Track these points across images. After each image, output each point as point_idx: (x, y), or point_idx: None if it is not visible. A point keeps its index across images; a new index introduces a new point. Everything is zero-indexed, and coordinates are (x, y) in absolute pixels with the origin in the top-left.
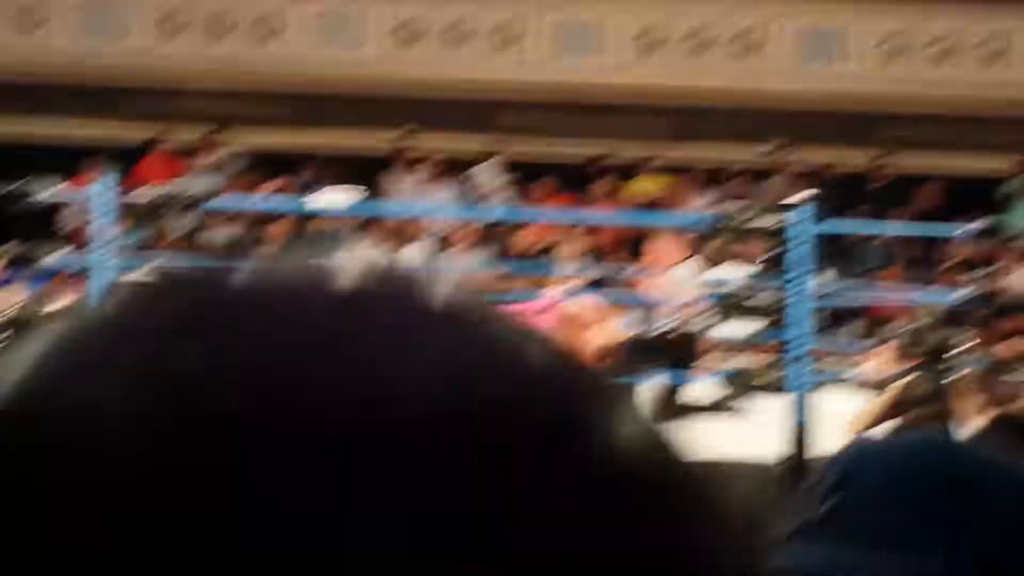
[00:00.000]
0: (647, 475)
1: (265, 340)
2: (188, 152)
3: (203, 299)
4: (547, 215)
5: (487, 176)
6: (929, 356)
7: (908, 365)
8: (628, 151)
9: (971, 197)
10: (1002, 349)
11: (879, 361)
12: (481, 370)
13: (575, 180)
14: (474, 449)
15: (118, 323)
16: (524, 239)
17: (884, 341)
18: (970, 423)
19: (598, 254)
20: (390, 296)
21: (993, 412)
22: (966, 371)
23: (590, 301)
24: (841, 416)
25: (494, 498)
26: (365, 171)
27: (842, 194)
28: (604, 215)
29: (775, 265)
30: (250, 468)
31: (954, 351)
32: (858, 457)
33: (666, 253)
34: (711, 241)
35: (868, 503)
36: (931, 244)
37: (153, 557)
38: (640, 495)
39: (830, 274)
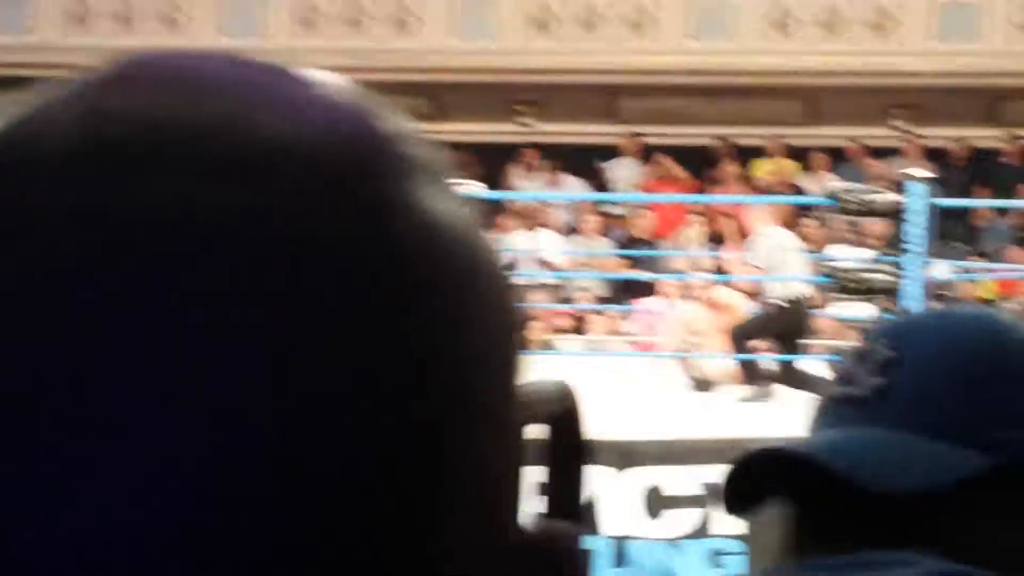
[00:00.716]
0: (443, 246)
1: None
2: None
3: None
4: (673, 198)
5: (624, 171)
6: None
7: None
8: (755, 134)
9: None
10: None
11: None
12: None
13: (701, 163)
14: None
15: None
16: (649, 224)
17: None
18: None
19: (719, 238)
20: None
21: None
22: None
23: (727, 287)
24: None
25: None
26: (491, 159)
27: (970, 172)
28: (730, 198)
29: (892, 245)
30: None
31: None
32: (909, 331)
33: (756, 219)
34: (827, 221)
35: (920, 386)
36: None
37: None
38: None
39: (950, 253)
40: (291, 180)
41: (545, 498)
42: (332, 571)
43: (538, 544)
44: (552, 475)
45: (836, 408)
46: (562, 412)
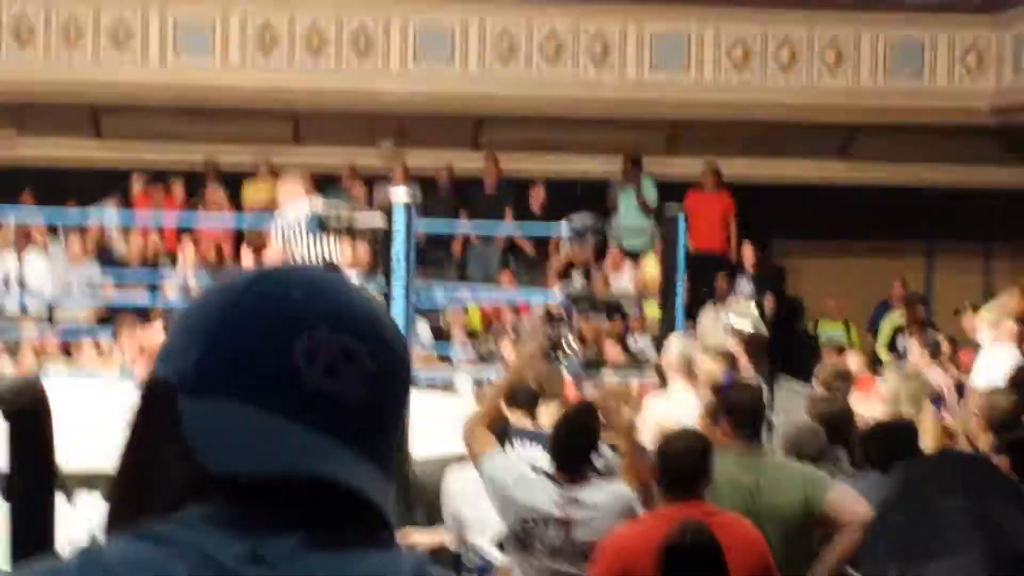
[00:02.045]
0: None
1: None
2: None
3: None
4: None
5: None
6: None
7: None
8: (243, 155)
9: (577, 198)
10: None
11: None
12: None
13: (189, 185)
14: None
15: None
16: (139, 247)
17: (498, 340)
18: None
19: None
20: None
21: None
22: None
23: None
24: (442, 417)
25: None
26: None
27: (454, 198)
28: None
29: (376, 267)
30: None
31: (564, 346)
32: (385, 349)
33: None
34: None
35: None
36: (540, 245)
37: None
38: None
39: (438, 278)
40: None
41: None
42: None
43: None
44: (14, 466)
45: (309, 397)
46: (25, 405)
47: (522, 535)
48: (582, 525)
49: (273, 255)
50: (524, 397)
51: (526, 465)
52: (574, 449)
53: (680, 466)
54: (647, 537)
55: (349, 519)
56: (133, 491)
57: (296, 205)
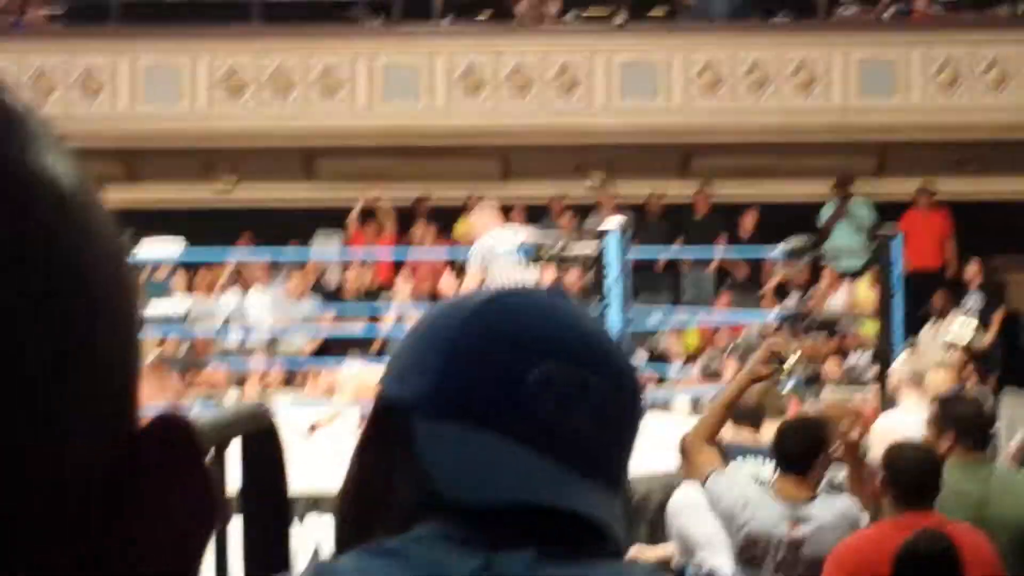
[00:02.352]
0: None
1: None
2: None
3: None
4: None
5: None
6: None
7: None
8: (452, 194)
9: (788, 222)
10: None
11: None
12: None
13: (402, 222)
14: None
15: None
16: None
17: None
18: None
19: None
20: None
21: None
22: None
23: None
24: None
25: None
26: (190, 222)
27: (665, 225)
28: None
29: (589, 294)
30: None
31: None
32: (592, 370)
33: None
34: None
35: (596, 429)
36: (754, 269)
37: None
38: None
39: (652, 303)
40: None
41: (244, 513)
42: None
43: (152, 428)
44: (247, 487)
45: (544, 426)
46: (257, 430)
47: (750, 554)
48: (811, 542)
49: (471, 281)
50: (747, 413)
51: (750, 482)
52: (801, 463)
53: (910, 477)
54: (879, 546)
55: (579, 538)
56: (362, 508)
57: (493, 234)
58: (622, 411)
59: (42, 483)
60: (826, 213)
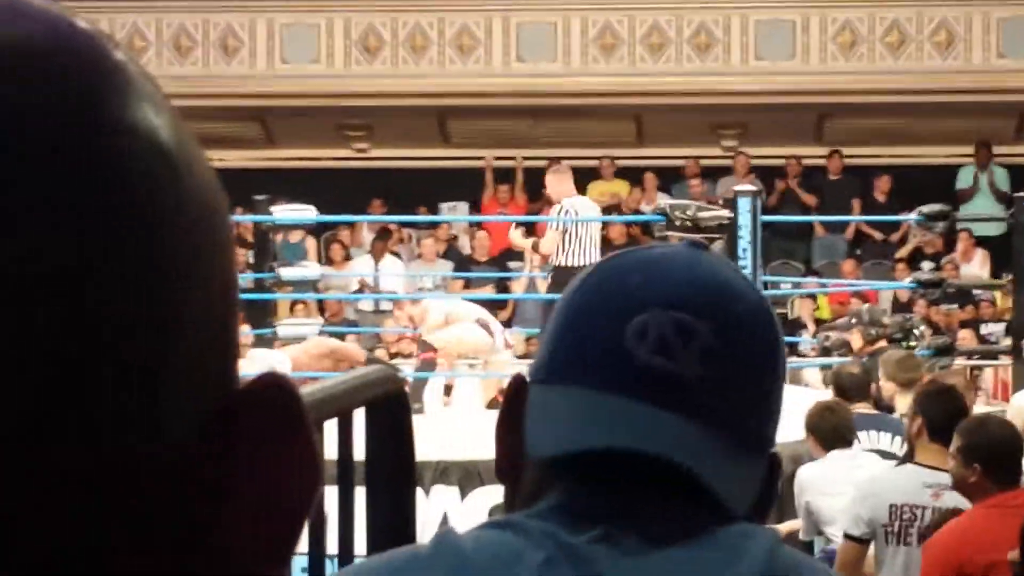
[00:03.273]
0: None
1: None
2: None
3: None
4: (507, 219)
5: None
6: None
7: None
8: (585, 155)
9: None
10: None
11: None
12: None
13: (535, 185)
14: None
15: None
16: (485, 245)
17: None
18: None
19: None
20: None
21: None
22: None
23: None
24: (789, 406)
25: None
26: (325, 184)
27: (798, 188)
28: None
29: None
30: None
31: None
32: (731, 323)
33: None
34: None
35: (732, 384)
36: (888, 234)
37: None
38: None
39: (785, 269)
40: (20, 78)
41: (371, 481)
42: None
43: (252, 392)
44: (373, 455)
45: (640, 374)
46: (385, 396)
47: (894, 527)
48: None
49: (548, 246)
50: (856, 388)
51: (877, 457)
52: (944, 431)
53: (999, 453)
54: (982, 534)
55: (696, 500)
56: (507, 485)
57: (571, 199)
58: (737, 356)
59: (135, 456)
60: (964, 178)
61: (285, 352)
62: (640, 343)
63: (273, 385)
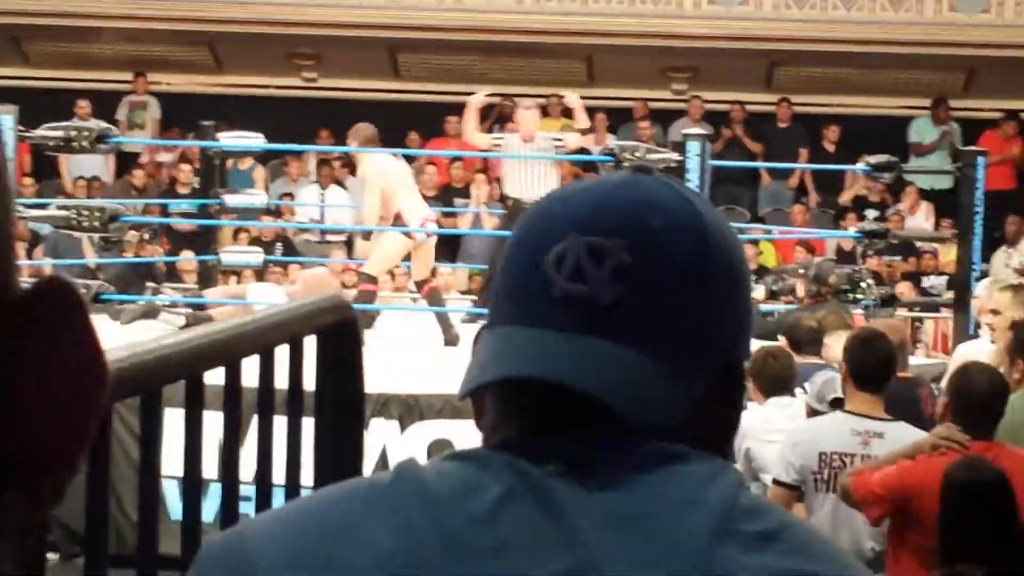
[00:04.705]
0: None
1: None
2: None
3: None
4: (456, 154)
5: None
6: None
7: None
8: (536, 93)
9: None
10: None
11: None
12: None
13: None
14: None
15: None
16: (433, 180)
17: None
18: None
19: None
20: None
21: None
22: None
23: None
24: None
25: None
26: (272, 111)
27: (745, 135)
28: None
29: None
30: None
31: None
32: (645, 240)
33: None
34: None
35: (653, 301)
36: (835, 184)
37: None
38: None
39: (731, 216)
40: None
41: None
42: None
43: (34, 291)
44: (322, 385)
45: (557, 302)
46: (335, 325)
47: (824, 474)
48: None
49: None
50: (806, 341)
51: (817, 402)
52: (875, 380)
53: (972, 401)
54: (928, 472)
55: (623, 424)
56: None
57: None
58: (662, 273)
59: None
60: (917, 131)
61: (282, 288)
62: (558, 272)
63: (54, 285)
